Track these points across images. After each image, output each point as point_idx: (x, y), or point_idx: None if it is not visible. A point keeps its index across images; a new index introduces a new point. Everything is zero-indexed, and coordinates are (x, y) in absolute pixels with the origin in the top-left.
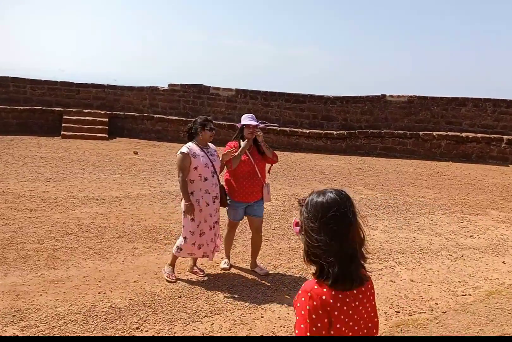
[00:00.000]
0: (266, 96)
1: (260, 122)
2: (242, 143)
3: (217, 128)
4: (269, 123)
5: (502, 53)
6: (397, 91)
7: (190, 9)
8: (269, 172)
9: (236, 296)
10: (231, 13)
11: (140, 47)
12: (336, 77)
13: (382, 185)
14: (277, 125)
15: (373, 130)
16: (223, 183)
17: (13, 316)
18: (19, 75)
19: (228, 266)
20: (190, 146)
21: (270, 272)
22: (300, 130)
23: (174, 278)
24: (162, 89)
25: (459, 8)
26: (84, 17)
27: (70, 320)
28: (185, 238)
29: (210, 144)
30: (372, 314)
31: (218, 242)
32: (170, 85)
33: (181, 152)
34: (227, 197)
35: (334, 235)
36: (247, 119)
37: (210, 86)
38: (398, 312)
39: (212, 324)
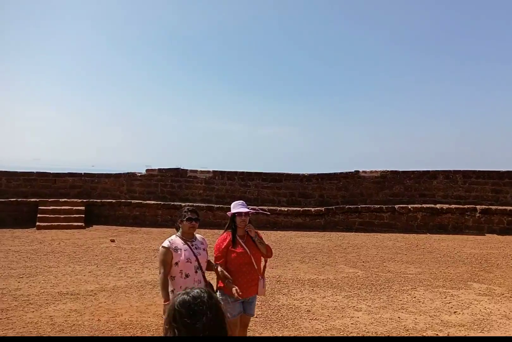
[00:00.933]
0: (243, 177)
1: (251, 209)
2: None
3: (200, 218)
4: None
5: (469, 125)
6: (370, 167)
7: (162, 95)
8: (263, 271)
9: None
10: (201, 96)
11: (119, 133)
12: (310, 156)
13: (363, 261)
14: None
15: (350, 206)
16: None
17: None
18: None
19: None
20: (173, 239)
21: None
22: (279, 208)
23: None
24: (139, 174)
25: (429, 85)
26: (59, 104)
27: None
28: None
29: (197, 235)
30: None
31: None
32: (147, 170)
33: (162, 247)
34: (217, 294)
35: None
36: (237, 207)
37: (187, 169)
38: None
39: None
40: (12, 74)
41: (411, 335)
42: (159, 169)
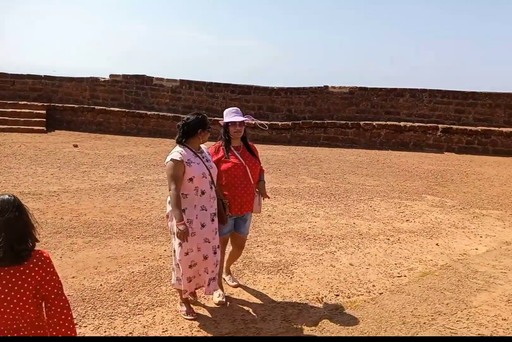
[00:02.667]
0: (211, 87)
1: (246, 117)
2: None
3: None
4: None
5: (441, 45)
6: (339, 82)
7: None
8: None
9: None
10: (171, 3)
11: (78, 37)
12: (279, 70)
13: (325, 173)
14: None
15: (317, 121)
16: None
17: None
18: None
19: (223, 299)
20: (183, 152)
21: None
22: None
23: (194, 314)
24: (103, 80)
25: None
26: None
27: None
28: (177, 265)
29: (202, 146)
30: (14, 301)
31: (215, 270)
32: (111, 75)
33: (172, 160)
34: (227, 211)
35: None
36: (231, 115)
37: (153, 77)
38: (338, 295)
39: (154, 316)
40: None
41: (364, 239)
42: (124, 76)
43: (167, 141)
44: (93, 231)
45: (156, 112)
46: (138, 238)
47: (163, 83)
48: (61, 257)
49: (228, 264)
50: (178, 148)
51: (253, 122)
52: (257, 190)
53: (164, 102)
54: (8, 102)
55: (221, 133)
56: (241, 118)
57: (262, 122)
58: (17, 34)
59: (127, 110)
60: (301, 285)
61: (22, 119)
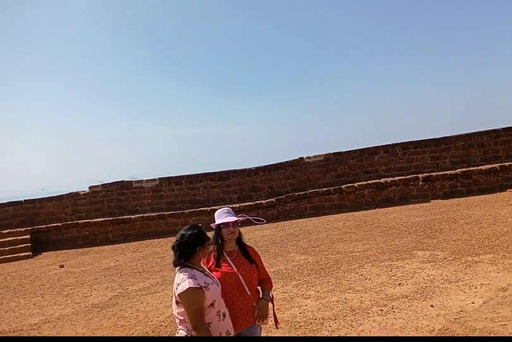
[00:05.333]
0: (191, 180)
1: (239, 217)
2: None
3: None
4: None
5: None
6: (314, 152)
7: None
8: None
9: None
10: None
11: (53, 153)
12: (255, 149)
13: (313, 246)
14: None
15: (299, 193)
16: None
17: None
18: None
19: None
20: (195, 274)
21: None
22: (230, 206)
23: None
24: (83, 193)
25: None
26: None
27: None
28: None
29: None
30: None
31: None
32: (90, 187)
33: (189, 289)
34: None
35: None
36: (222, 215)
37: (132, 181)
38: None
39: None
40: None
41: (357, 315)
42: (103, 185)
43: (154, 242)
44: None
45: (140, 215)
46: None
47: (143, 184)
48: None
49: None
50: (185, 270)
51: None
52: (255, 303)
53: (147, 203)
54: None
55: (213, 237)
56: (233, 218)
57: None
58: None
59: (111, 218)
60: None
61: (7, 248)
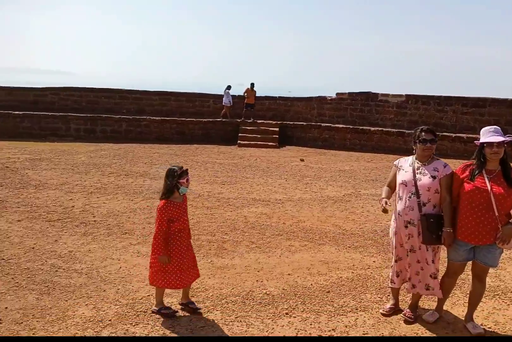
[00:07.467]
0: (440, 101)
1: (507, 137)
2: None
3: (437, 139)
4: None
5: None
6: None
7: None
8: None
9: (384, 298)
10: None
11: (304, 57)
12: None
13: None
14: None
15: None
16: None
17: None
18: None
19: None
20: (405, 159)
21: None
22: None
23: (412, 315)
24: (329, 98)
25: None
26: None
27: (231, 300)
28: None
29: (437, 161)
30: None
31: (414, 278)
32: (337, 94)
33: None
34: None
35: None
36: (488, 134)
37: (378, 93)
38: None
39: (356, 319)
40: None
41: None
42: (349, 93)
43: (389, 157)
44: (309, 237)
45: (379, 128)
46: (349, 247)
47: (388, 99)
48: (280, 256)
49: (469, 308)
50: (410, 156)
51: None
52: (501, 224)
53: (389, 117)
54: (249, 121)
55: (475, 154)
56: (500, 139)
57: None
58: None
59: (351, 126)
60: None
61: (259, 136)
